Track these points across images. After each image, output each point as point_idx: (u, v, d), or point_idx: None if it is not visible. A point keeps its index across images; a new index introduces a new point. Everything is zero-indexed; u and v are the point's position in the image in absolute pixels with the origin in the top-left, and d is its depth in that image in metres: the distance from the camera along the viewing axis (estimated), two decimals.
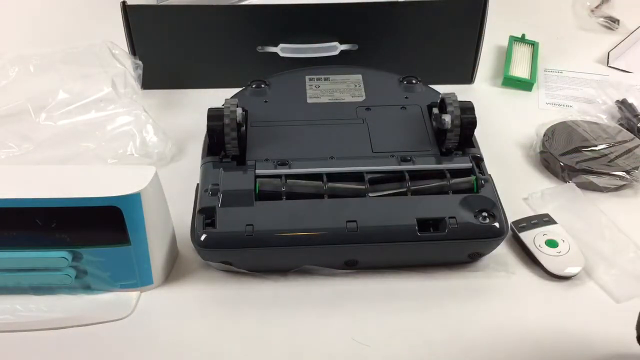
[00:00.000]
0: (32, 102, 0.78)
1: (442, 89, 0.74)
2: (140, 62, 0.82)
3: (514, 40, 0.98)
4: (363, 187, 0.62)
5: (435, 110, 0.70)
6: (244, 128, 0.68)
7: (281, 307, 0.60)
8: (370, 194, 0.61)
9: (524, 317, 0.59)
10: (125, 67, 0.81)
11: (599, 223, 0.67)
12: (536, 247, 0.63)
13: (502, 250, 0.65)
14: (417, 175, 0.63)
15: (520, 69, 0.93)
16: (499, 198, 0.62)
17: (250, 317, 0.59)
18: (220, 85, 0.86)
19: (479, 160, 0.66)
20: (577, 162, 0.72)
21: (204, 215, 0.59)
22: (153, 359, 0.56)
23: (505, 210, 0.61)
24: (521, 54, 0.96)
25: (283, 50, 0.86)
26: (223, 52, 0.87)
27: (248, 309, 0.60)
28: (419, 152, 0.66)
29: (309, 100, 0.75)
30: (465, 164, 0.65)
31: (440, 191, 0.61)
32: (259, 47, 0.86)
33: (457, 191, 0.61)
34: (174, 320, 0.59)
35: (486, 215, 0.59)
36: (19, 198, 0.53)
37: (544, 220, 0.66)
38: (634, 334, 0.49)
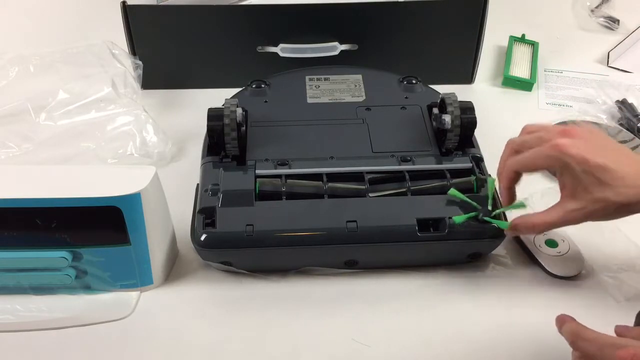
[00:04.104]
0: (32, 102, 0.78)
1: (442, 89, 0.74)
2: (140, 62, 0.82)
3: (514, 40, 0.98)
4: (363, 187, 0.62)
5: (435, 110, 0.70)
6: (244, 128, 0.68)
7: (281, 307, 0.60)
8: (370, 194, 0.61)
9: (523, 317, 0.59)
10: (125, 67, 0.81)
11: (599, 223, 0.67)
12: (536, 247, 0.64)
13: (502, 250, 0.65)
14: (417, 175, 0.63)
15: (520, 69, 0.93)
16: (499, 198, 0.62)
17: (250, 317, 0.59)
18: (220, 85, 0.86)
19: (479, 161, 0.66)
20: None
21: (204, 215, 0.59)
22: (153, 359, 0.56)
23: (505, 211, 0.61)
24: (521, 54, 0.96)
25: (283, 50, 0.86)
26: (223, 52, 0.87)
27: (248, 309, 0.60)
28: (419, 152, 0.66)
29: (309, 100, 0.75)
30: (465, 164, 0.65)
31: (441, 191, 0.61)
32: (259, 47, 0.86)
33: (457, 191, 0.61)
34: (174, 320, 0.59)
35: None
36: (19, 198, 0.53)
37: None
38: None
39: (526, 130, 0.58)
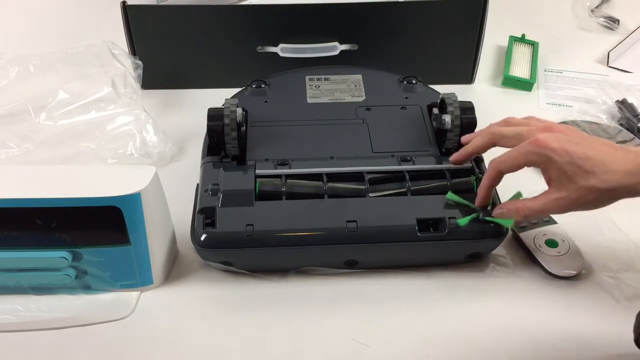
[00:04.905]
0: (32, 102, 0.78)
1: (442, 89, 0.74)
2: (140, 62, 0.82)
3: (514, 40, 0.98)
4: (363, 187, 0.62)
5: (435, 110, 0.70)
6: (244, 128, 0.68)
7: (281, 307, 0.60)
8: (370, 194, 0.61)
9: (523, 317, 0.59)
10: (125, 67, 0.81)
11: (599, 223, 0.67)
12: (536, 247, 0.64)
13: (502, 250, 0.65)
14: (417, 175, 0.63)
15: (520, 69, 0.93)
16: (498, 198, 0.62)
17: (250, 317, 0.59)
18: (220, 85, 0.86)
19: (478, 160, 0.66)
20: None
21: (204, 215, 0.59)
22: (153, 359, 0.56)
23: None
24: (521, 54, 0.96)
25: (283, 50, 0.86)
26: (223, 52, 0.87)
27: (248, 309, 0.60)
28: (419, 152, 0.66)
29: (309, 100, 0.75)
30: (465, 164, 0.65)
31: (440, 191, 0.61)
32: (259, 47, 0.86)
33: (457, 191, 0.61)
34: (174, 320, 0.59)
35: None
36: (19, 198, 0.53)
37: (544, 220, 0.66)
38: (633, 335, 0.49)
39: (507, 122, 0.59)
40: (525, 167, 0.56)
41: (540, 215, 0.56)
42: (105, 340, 0.57)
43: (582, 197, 0.53)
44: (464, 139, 0.64)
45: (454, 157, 0.63)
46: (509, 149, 0.57)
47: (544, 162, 0.54)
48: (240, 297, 0.61)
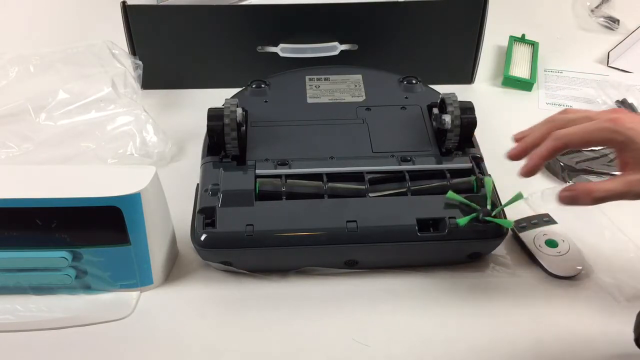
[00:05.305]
0: (32, 102, 0.78)
1: (442, 89, 0.74)
2: (140, 62, 0.82)
3: (514, 40, 0.98)
4: (363, 187, 0.62)
5: (435, 110, 0.70)
6: (244, 128, 0.68)
7: (281, 307, 0.60)
8: (371, 194, 0.61)
9: (523, 317, 0.59)
10: (125, 67, 0.81)
11: (599, 223, 0.67)
12: (536, 247, 0.64)
13: (502, 250, 0.65)
14: (417, 175, 0.63)
15: (520, 69, 0.93)
16: (498, 198, 0.62)
17: (250, 317, 0.59)
18: (220, 85, 0.86)
19: (479, 161, 0.66)
20: (577, 162, 0.72)
21: (204, 215, 0.59)
22: (153, 359, 0.56)
23: (505, 210, 0.61)
24: (521, 54, 0.96)
25: (283, 50, 0.86)
26: (223, 52, 0.87)
27: (248, 309, 0.60)
28: (419, 152, 0.66)
29: (309, 100, 0.75)
30: (465, 164, 0.65)
31: (441, 191, 0.61)
32: (259, 47, 0.86)
33: (457, 191, 0.61)
34: (174, 320, 0.59)
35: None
36: (19, 198, 0.53)
37: (544, 220, 0.66)
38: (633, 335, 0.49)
39: (568, 112, 0.56)
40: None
41: (614, 199, 0.53)
42: (105, 340, 0.57)
43: None
44: (517, 135, 0.58)
45: (512, 152, 0.56)
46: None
47: (621, 142, 0.51)
48: (240, 297, 0.61)
